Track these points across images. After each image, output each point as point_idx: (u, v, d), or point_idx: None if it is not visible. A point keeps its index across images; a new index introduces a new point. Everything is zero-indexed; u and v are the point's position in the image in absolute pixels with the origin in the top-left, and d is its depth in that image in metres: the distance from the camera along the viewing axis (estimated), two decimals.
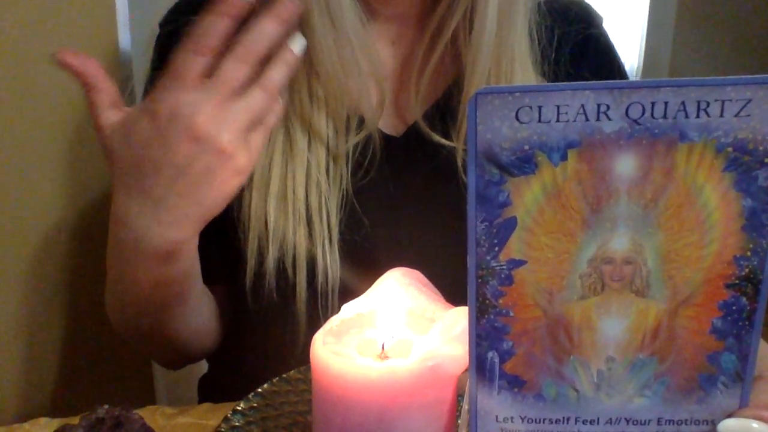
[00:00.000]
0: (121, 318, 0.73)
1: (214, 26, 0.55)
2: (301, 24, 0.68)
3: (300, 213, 0.70)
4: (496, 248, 0.41)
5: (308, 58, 0.69)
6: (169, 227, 0.59)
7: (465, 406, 0.48)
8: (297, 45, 0.58)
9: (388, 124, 0.75)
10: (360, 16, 0.69)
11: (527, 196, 0.40)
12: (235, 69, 0.55)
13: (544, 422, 0.45)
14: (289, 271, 0.70)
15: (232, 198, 0.60)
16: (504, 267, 0.41)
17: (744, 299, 0.42)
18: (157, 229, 0.59)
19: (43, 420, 0.62)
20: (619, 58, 0.83)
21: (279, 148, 0.71)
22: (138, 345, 0.80)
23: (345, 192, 0.72)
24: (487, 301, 0.42)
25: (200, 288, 0.72)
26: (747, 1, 2.07)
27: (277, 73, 0.57)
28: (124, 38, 0.87)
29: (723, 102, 0.38)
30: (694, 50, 2.07)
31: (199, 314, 0.74)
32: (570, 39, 0.78)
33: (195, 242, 0.63)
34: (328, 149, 0.71)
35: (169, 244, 0.60)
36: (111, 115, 0.58)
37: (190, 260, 0.65)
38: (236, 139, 0.55)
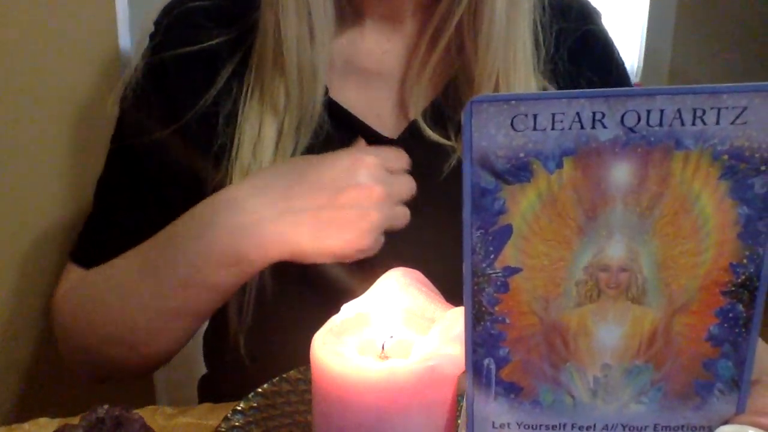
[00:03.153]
0: (94, 329, 0.72)
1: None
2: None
3: None
4: (492, 256, 0.41)
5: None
6: (271, 238, 0.62)
7: (465, 407, 0.48)
8: None
9: (385, 122, 0.75)
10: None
11: (523, 204, 0.40)
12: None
13: (540, 428, 0.45)
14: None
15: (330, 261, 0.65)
16: (500, 274, 0.41)
17: (740, 306, 0.42)
18: (262, 230, 0.62)
19: (43, 420, 0.62)
20: (619, 54, 0.83)
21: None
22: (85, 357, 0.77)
23: None
24: (483, 309, 0.42)
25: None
26: (747, 1, 2.06)
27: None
28: (124, 38, 0.87)
29: (719, 109, 0.38)
30: (694, 50, 2.07)
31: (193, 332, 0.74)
32: (569, 35, 0.78)
33: (256, 271, 0.66)
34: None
35: (249, 253, 0.62)
36: None
37: (240, 282, 0.66)
38: (388, 209, 0.63)
